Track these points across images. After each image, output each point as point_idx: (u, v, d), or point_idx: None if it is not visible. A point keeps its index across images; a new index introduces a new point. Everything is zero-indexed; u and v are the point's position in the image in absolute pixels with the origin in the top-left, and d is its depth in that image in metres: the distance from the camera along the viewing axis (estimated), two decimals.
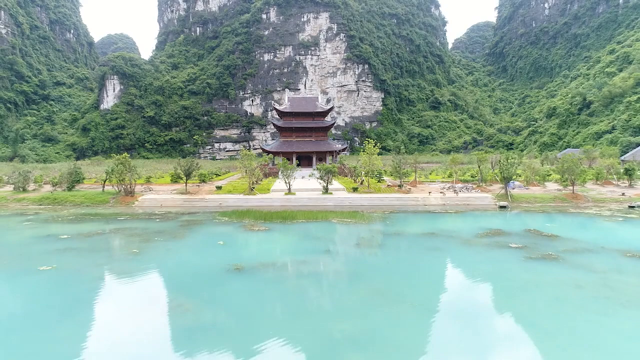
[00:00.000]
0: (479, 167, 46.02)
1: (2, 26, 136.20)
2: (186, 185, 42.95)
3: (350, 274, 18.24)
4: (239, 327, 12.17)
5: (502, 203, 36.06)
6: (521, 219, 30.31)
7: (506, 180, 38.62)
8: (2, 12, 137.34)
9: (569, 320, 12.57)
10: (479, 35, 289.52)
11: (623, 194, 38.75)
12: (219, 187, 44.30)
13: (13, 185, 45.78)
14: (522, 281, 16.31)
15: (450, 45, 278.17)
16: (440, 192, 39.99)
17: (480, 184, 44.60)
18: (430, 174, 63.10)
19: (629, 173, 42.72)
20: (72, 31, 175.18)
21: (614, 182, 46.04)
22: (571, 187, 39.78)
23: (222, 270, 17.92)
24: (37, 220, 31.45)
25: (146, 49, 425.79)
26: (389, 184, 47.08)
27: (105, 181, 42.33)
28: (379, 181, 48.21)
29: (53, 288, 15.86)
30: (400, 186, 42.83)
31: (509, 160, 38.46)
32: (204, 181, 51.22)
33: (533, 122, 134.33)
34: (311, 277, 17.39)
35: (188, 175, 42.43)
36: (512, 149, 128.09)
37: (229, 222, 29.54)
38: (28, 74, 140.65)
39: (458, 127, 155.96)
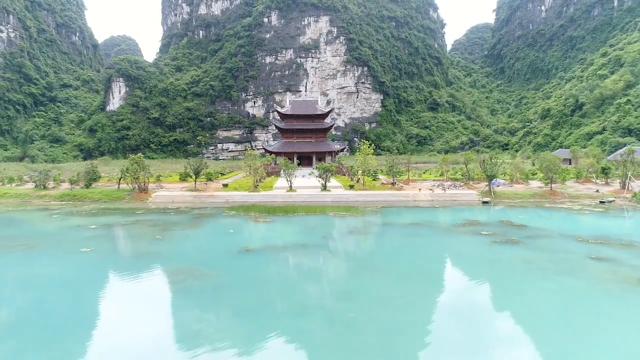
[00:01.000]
0: (466, 166, 49.41)
1: (11, 30, 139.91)
2: (195, 183, 46.41)
3: (342, 253, 21.67)
4: (250, 287, 15.60)
5: (485, 199, 39.42)
6: (498, 212, 33.67)
7: (490, 178, 41.98)
8: (11, 16, 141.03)
9: (512, 283, 16.00)
10: (478, 36, 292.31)
11: (597, 190, 42.08)
12: (225, 185, 47.75)
13: (34, 184, 49.21)
14: (483, 258, 19.75)
15: (449, 47, 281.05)
16: (430, 190, 43.37)
17: (468, 182, 47.97)
18: (425, 173, 66.45)
19: (605, 172, 46.06)
20: (77, 34, 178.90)
21: (593, 180, 49.35)
22: (551, 185, 43.12)
23: (234, 251, 21.36)
24: (63, 213, 34.88)
25: (148, 50, 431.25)
26: (384, 182, 50.45)
27: (120, 179, 45.75)
28: (374, 179, 51.54)
29: (95, 264, 19.30)
30: (393, 184, 46.22)
31: (492, 160, 41.80)
32: (210, 180, 54.59)
33: (528, 123, 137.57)
34: (309, 255, 20.81)
35: (197, 174, 45.89)
36: (508, 149, 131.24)
37: (236, 215, 32.94)
38: (36, 77, 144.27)
39: (455, 128, 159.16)
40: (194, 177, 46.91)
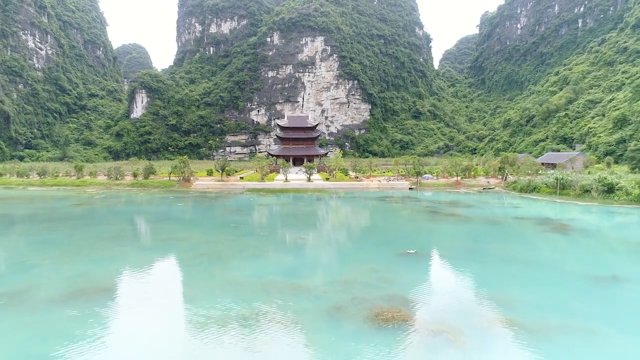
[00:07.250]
0: (405, 166, 71.02)
1: (49, 48, 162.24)
2: (221, 176, 68.02)
3: (311, 205, 43.23)
4: (267, 214, 37.14)
5: (412, 186, 60.86)
6: (411, 193, 55.06)
7: (418, 174, 63.45)
8: (49, 36, 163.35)
9: (379, 213, 37.54)
10: (467, 47, 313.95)
11: (488, 182, 63.44)
12: (241, 178, 69.32)
13: (106, 176, 70.78)
14: (375, 208, 41.33)
15: (440, 56, 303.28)
16: (379, 181, 64.89)
17: (408, 177, 69.45)
18: (389, 171, 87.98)
19: (501, 170, 67.37)
20: (101, 49, 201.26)
21: (497, 176, 70.62)
22: (465, 179, 64.53)
23: (255, 205, 42.95)
24: (144, 193, 56.34)
25: (155, 56, 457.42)
26: (352, 176, 71.93)
27: (171, 173, 67.29)
28: (346, 175, 73.09)
29: (190, 207, 40.83)
30: (356, 177, 67.70)
31: (419, 161, 63.30)
32: (229, 175, 76.15)
33: (492, 131, 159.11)
34: (294, 206, 42.31)
35: (223, 170, 67.47)
36: (476, 153, 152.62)
37: (252, 194, 54.42)
38: (69, 88, 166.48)
39: (435, 134, 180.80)
40: (220, 172, 68.46)
